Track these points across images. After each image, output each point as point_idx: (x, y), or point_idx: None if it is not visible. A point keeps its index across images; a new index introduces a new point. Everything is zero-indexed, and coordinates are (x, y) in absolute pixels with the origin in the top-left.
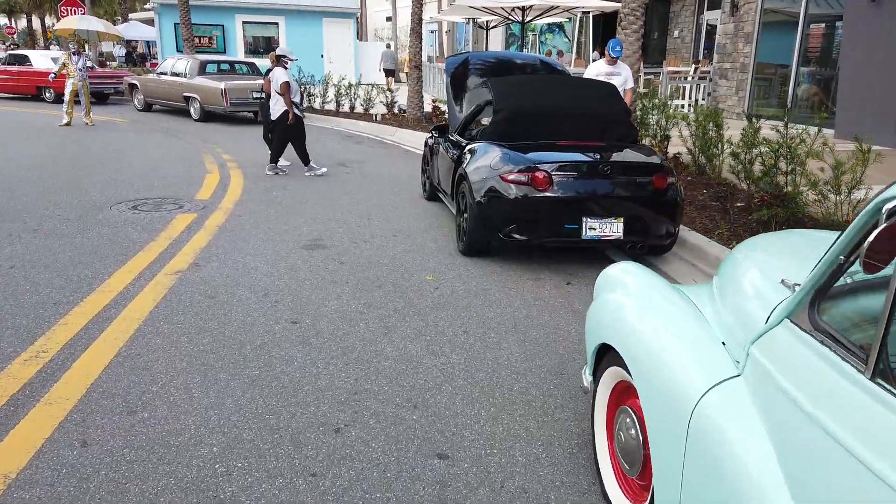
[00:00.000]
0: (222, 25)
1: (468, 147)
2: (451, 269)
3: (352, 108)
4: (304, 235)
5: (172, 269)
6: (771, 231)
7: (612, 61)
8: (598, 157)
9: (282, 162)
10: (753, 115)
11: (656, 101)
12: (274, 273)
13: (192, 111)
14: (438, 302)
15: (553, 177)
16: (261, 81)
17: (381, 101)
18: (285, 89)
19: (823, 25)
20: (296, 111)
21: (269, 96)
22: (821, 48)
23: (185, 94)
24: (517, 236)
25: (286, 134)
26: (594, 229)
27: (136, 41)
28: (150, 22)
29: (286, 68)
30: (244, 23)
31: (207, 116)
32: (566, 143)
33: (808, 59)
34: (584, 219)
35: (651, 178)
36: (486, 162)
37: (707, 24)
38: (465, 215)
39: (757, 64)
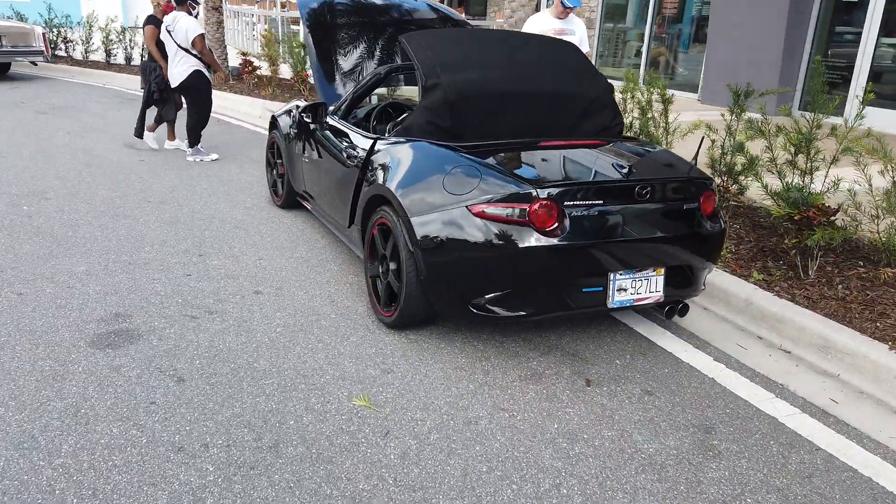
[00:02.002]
0: None
1: (383, 147)
2: (385, 367)
3: (128, 59)
4: (91, 307)
5: None
6: (820, 267)
7: (565, 13)
8: (623, 169)
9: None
10: (743, 90)
11: None
12: (34, 435)
13: None
14: (406, 479)
15: (564, 208)
16: None
17: None
18: (202, 43)
19: None
20: (206, 73)
21: (149, 54)
22: (680, 3)
23: None
24: (501, 311)
25: (203, 102)
26: (625, 290)
27: None
28: None
29: (192, 14)
30: None
31: None
32: (550, 142)
33: (664, 15)
34: (612, 275)
35: (699, 201)
36: (433, 179)
37: None
38: (392, 266)
39: (604, 19)
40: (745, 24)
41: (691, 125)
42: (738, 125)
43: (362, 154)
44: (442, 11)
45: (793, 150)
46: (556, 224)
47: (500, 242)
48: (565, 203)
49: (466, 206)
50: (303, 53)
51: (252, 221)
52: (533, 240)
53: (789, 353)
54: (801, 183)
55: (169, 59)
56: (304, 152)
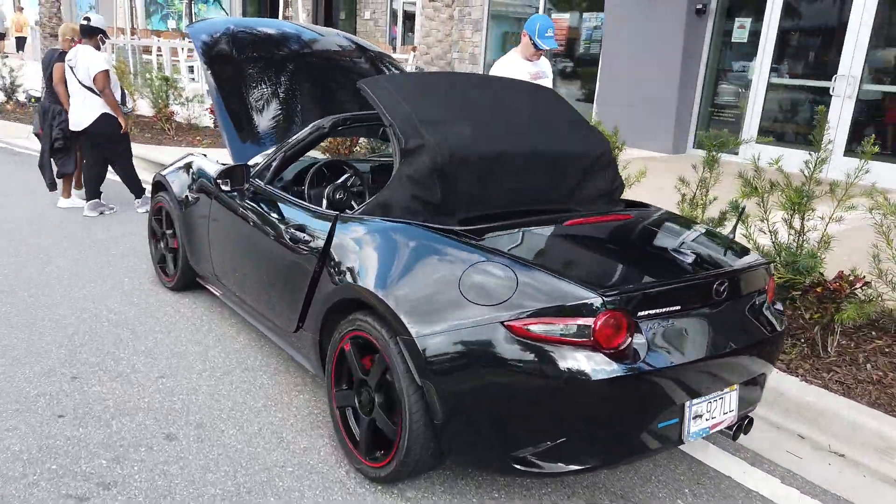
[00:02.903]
0: None
1: (352, 230)
2: None
3: None
4: None
5: None
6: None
7: (537, 55)
8: (686, 256)
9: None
10: (717, 141)
11: None
12: None
13: None
14: None
15: (636, 321)
16: None
17: None
18: (105, 81)
19: (568, 16)
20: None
21: (52, 93)
22: (567, 41)
23: None
24: (553, 465)
25: (123, 149)
26: (701, 417)
27: None
28: None
29: (100, 48)
30: None
31: None
32: (577, 220)
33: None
34: (687, 404)
35: (765, 291)
36: (443, 280)
37: (404, 7)
38: (378, 399)
39: (489, 56)
40: (639, 62)
41: (638, 173)
42: (711, 177)
43: (318, 237)
44: (359, 43)
45: (792, 208)
46: (627, 343)
47: (553, 372)
48: (638, 313)
49: (502, 322)
50: (165, 87)
51: (138, 315)
52: (599, 367)
53: (843, 456)
54: (795, 243)
55: (71, 99)
56: (211, 225)
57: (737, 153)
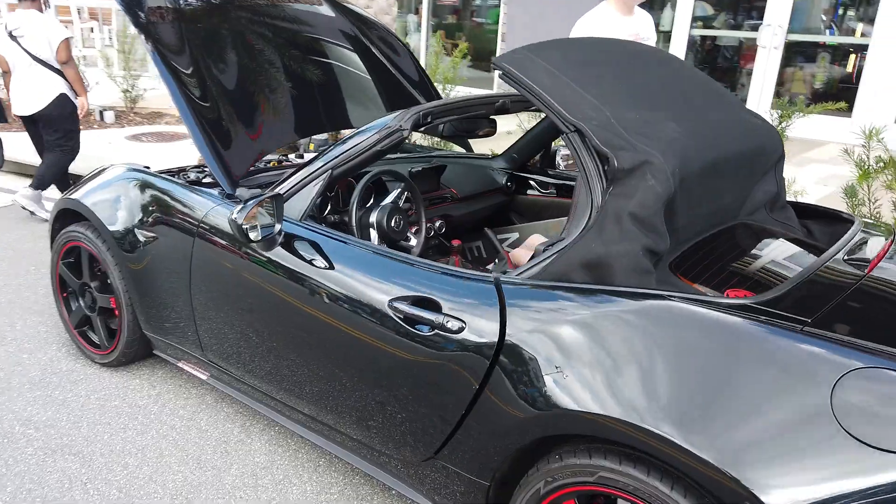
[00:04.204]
0: None
1: (548, 312)
2: None
3: None
4: None
5: None
6: None
7: (629, 7)
8: None
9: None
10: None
11: None
12: None
13: None
14: None
15: None
16: None
17: None
18: (69, 52)
19: None
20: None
21: None
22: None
23: None
24: None
25: (75, 135)
26: None
27: None
28: None
29: (43, 12)
30: None
31: None
32: (872, 264)
33: (438, 13)
34: None
35: None
36: (794, 399)
37: None
38: None
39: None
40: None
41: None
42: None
43: (465, 321)
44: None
45: None
46: None
47: None
48: None
49: None
50: None
51: (74, 421)
52: None
53: None
54: None
55: (16, 75)
56: (197, 279)
57: None
